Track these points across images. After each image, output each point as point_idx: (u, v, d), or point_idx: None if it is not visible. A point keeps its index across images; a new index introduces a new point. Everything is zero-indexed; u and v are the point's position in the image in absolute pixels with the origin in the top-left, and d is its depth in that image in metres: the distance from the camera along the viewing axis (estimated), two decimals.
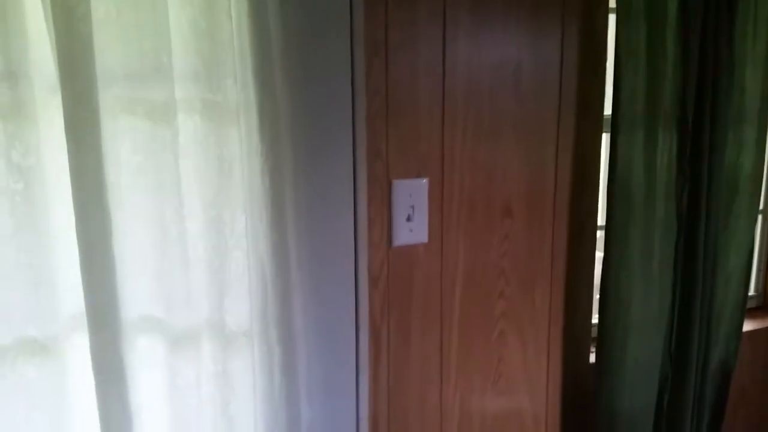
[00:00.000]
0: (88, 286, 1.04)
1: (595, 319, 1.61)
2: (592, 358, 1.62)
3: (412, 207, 1.32)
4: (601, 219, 1.58)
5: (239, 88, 1.14)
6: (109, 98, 1.05)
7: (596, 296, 1.60)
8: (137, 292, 1.08)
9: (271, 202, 1.18)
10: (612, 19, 1.47)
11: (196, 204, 1.12)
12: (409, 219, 1.32)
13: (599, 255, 1.57)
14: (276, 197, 1.19)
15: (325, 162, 1.26)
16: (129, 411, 1.08)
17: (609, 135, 1.47)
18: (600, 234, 1.58)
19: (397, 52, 1.25)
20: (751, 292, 2.01)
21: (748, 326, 1.87)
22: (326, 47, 1.23)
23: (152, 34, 1.06)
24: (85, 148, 1.03)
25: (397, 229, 1.31)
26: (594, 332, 1.62)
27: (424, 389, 1.40)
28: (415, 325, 1.37)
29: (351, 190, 1.29)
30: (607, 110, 1.49)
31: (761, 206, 1.93)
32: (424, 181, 1.33)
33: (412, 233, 1.33)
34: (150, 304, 1.09)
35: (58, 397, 1.06)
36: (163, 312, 1.10)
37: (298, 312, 1.22)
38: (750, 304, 1.96)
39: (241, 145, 1.15)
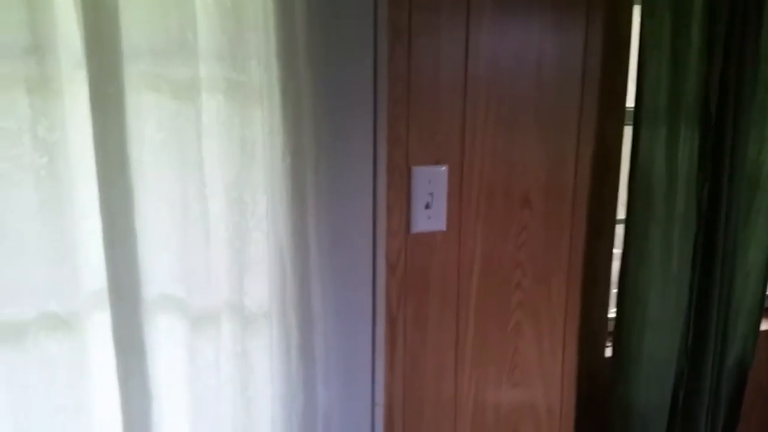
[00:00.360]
0: (111, 263, 1.04)
1: (611, 314, 1.60)
2: (608, 353, 1.61)
3: (431, 194, 1.31)
4: (620, 213, 1.57)
5: (263, 69, 1.13)
6: (134, 74, 1.05)
7: (613, 291, 1.59)
8: (158, 270, 1.08)
9: (291, 185, 1.18)
10: (636, 10, 1.46)
11: (218, 184, 1.12)
12: (427, 206, 1.32)
13: (615, 251, 1.57)
14: (297, 180, 1.18)
15: (345, 146, 1.25)
16: (148, 389, 1.08)
17: (631, 128, 1.46)
18: (619, 228, 1.57)
19: (420, 38, 1.24)
20: None
21: (766, 325, 1.85)
22: (350, 30, 1.22)
23: (177, 10, 1.06)
24: (109, 124, 1.04)
25: (416, 216, 1.31)
26: (610, 326, 1.61)
27: (439, 378, 1.40)
28: (432, 313, 1.37)
29: (371, 176, 1.28)
30: (630, 102, 1.48)
31: None
32: (444, 168, 1.32)
33: (431, 221, 1.33)
34: (171, 283, 1.09)
35: (79, 372, 1.06)
36: (183, 291, 1.10)
37: (316, 296, 1.21)
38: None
39: (263, 127, 1.15)
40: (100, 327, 1.07)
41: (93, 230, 1.04)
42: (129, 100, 1.04)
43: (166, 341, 1.10)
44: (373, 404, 1.35)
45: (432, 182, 1.31)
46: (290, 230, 1.18)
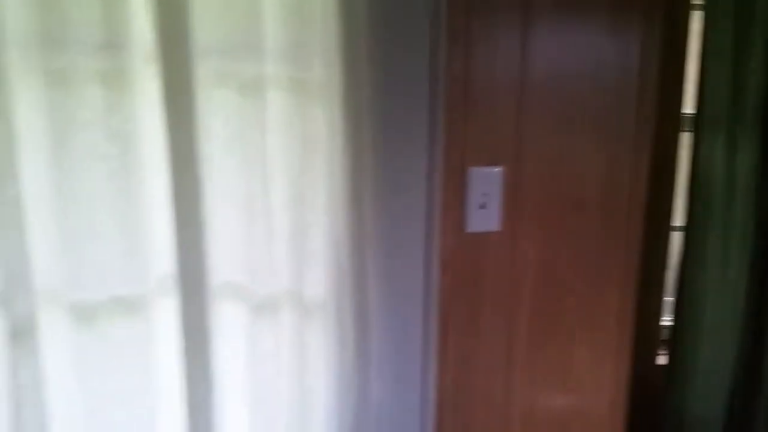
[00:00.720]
0: (179, 251, 1.08)
1: (665, 321, 1.58)
2: (659, 360, 1.59)
3: (486, 195, 1.32)
4: (677, 219, 1.55)
5: (325, 67, 1.16)
6: (203, 71, 1.08)
7: (667, 298, 1.57)
8: (224, 259, 1.11)
9: (350, 181, 1.20)
10: (695, 16, 1.45)
11: (281, 179, 1.15)
12: (482, 207, 1.32)
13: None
14: (355, 177, 1.20)
15: (402, 145, 1.27)
16: (211, 373, 1.12)
17: (689, 134, 1.45)
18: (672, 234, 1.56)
19: (477, 40, 1.25)
20: None
21: None
22: (409, 31, 1.23)
23: (245, 9, 1.09)
24: (179, 118, 1.08)
25: (471, 216, 1.31)
26: (663, 334, 1.58)
27: (490, 378, 1.40)
28: (484, 315, 1.37)
29: (427, 175, 1.30)
30: (686, 109, 1.47)
31: None
32: (499, 169, 1.32)
33: (485, 221, 1.33)
34: (235, 272, 1.13)
35: (145, 355, 1.10)
36: (246, 280, 1.13)
37: (371, 291, 1.23)
38: None
39: (324, 124, 1.17)
40: (166, 312, 1.11)
41: (163, 219, 1.08)
42: (198, 96, 1.08)
43: (229, 328, 1.14)
44: (426, 401, 1.35)
45: (487, 183, 1.31)
46: (347, 226, 1.20)
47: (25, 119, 1.02)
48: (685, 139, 1.53)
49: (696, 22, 1.45)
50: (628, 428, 1.56)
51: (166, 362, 1.12)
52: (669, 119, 1.47)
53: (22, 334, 1.04)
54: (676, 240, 1.57)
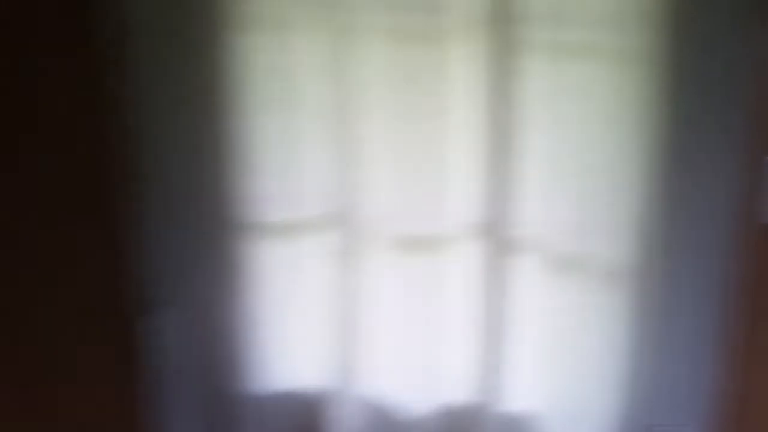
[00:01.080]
0: (488, 201, 1.18)
1: None
2: None
3: None
4: None
5: (646, 35, 1.14)
6: (525, 36, 1.14)
7: None
8: (529, 214, 1.19)
9: (659, 150, 1.17)
10: None
11: (588, 144, 1.17)
12: None
13: None
14: (659, 150, 1.18)
15: (711, 124, 1.20)
16: (503, 320, 1.21)
17: None
18: None
19: None
20: None
21: None
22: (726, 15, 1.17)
23: None
24: (498, 80, 1.15)
25: None
26: None
27: None
28: None
29: (734, 158, 1.22)
30: None
31: None
32: None
33: None
34: (538, 228, 1.20)
35: (449, 290, 1.24)
36: (548, 237, 1.20)
37: (665, 266, 1.20)
38: None
39: (639, 93, 1.16)
40: (471, 255, 1.22)
41: (476, 170, 1.19)
42: (518, 60, 1.14)
43: (526, 279, 1.21)
44: (707, 390, 1.29)
45: None
46: (648, 197, 1.19)
47: (366, 72, 1.17)
48: None
49: None
50: None
51: (464, 302, 1.23)
52: None
53: (349, 256, 1.23)
54: None
